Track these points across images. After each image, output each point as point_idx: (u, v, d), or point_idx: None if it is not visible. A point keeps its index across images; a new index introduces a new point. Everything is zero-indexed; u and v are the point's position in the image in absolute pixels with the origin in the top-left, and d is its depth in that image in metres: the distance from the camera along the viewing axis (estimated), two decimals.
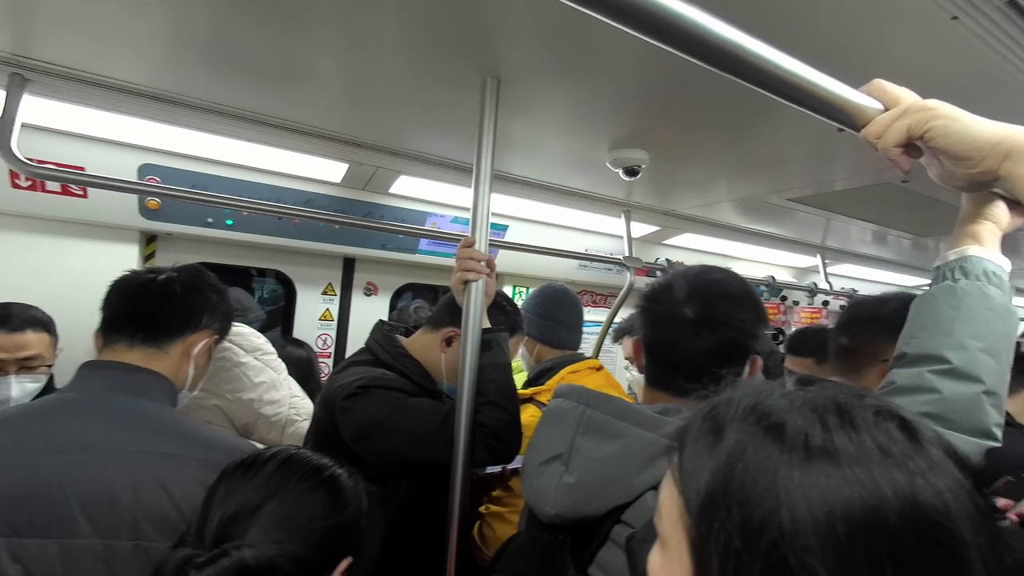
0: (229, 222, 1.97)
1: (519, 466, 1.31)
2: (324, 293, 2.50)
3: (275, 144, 1.67)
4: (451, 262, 2.55)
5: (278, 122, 1.55)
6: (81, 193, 1.70)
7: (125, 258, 1.93)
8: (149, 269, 1.03)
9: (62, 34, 1.16)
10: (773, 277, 2.96)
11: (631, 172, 1.56)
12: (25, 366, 1.41)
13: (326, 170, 1.92)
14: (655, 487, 0.69)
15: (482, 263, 1.12)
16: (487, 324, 1.18)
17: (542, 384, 1.64)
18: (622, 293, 2.29)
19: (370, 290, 2.56)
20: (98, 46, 1.19)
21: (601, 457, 0.74)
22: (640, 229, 2.60)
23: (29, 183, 1.63)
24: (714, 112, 1.32)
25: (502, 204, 2.23)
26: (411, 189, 2.13)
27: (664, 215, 2.45)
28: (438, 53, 1.08)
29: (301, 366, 1.86)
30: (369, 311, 2.56)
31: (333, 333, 2.53)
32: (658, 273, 2.38)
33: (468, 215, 2.30)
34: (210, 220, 1.93)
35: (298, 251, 2.26)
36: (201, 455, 0.83)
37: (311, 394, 1.63)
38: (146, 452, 0.81)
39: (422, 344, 1.32)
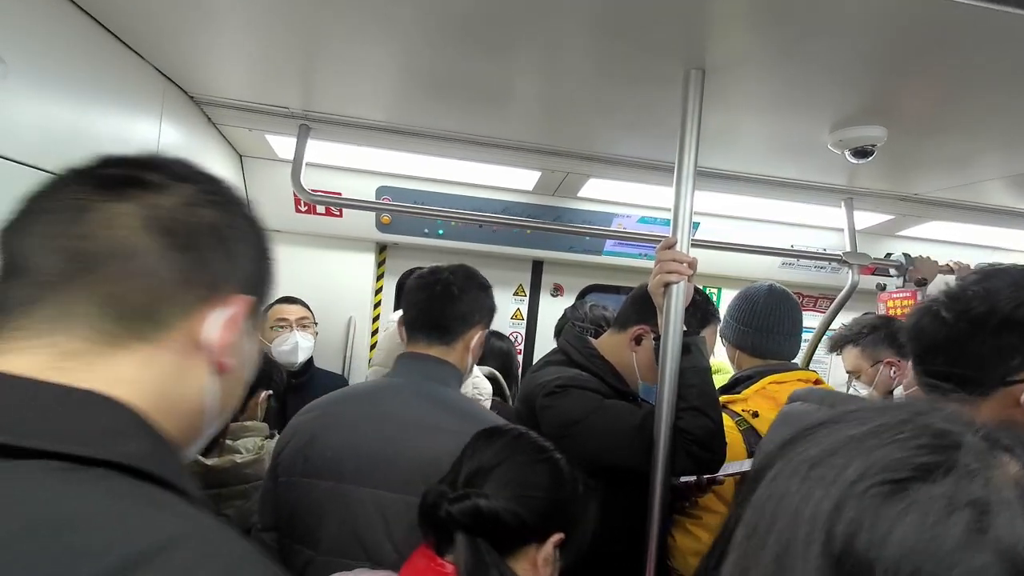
0: (440, 232, 2.25)
1: (718, 475, 1.23)
2: (515, 294, 2.70)
3: (479, 159, 1.85)
4: (635, 263, 2.55)
5: (482, 139, 1.73)
6: (338, 213, 2.13)
7: (365, 264, 2.37)
8: (432, 270, 1.18)
9: (331, 88, 1.47)
10: None
11: (862, 153, 1.34)
12: (301, 324, 2.04)
13: (520, 179, 2.07)
14: None
15: (684, 265, 1.08)
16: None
17: (737, 393, 1.51)
18: (842, 295, 1.97)
19: (556, 291, 2.67)
20: (355, 93, 1.49)
21: None
22: (863, 220, 2.21)
23: (306, 208, 2.11)
24: (981, 70, 1.05)
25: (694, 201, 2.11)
26: (597, 192, 2.17)
27: (901, 201, 2.04)
28: (638, 51, 1.07)
29: (503, 357, 2.12)
30: (555, 311, 2.67)
31: (523, 331, 2.71)
32: (892, 271, 1.99)
33: (655, 214, 2.28)
34: (426, 231, 2.24)
35: (495, 255, 2.48)
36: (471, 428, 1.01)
37: (510, 382, 1.80)
38: (451, 430, 0.96)
39: (611, 345, 1.33)
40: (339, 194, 2.02)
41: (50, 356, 0.40)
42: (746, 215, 2.31)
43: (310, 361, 2.08)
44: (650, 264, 2.43)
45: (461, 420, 1.00)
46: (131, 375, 0.42)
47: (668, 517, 1.11)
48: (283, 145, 1.85)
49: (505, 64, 1.22)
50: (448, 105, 1.51)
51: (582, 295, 2.75)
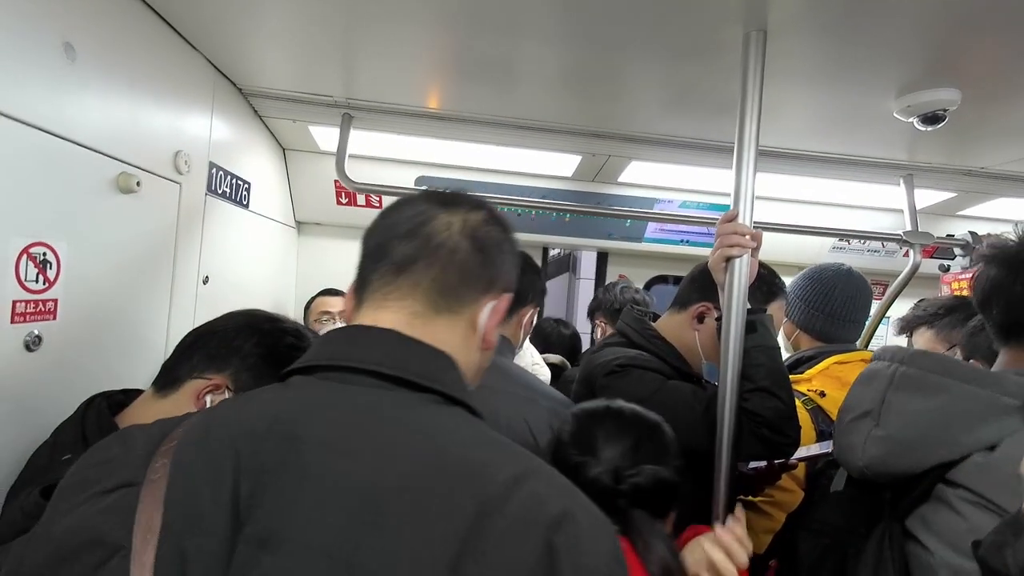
0: None
1: (791, 460, 1.18)
2: None
3: (519, 144, 1.83)
4: (677, 250, 2.49)
5: (523, 123, 1.70)
6: (378, 204, 2.14)
7: None
8: None
9: (373, 75, 1.48)
10: None
11: (932, 120, 1.26)
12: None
13: (560, 165, 2.04)
14: (991, 447, 0.69)
15: (747, 237, 1.03)
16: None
17: (800, 373, 1.45)
18: (903, 276, 1.87)
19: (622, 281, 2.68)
20: (396, 79, 1.49)
21: (917, 411, 0.75)
22: (922, 199, 2.09)
23: (347, 200, 2.13)
24: None
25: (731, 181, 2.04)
26: (637, 176, 2.12)
27: (964, 176, 1.92)
28: (690, 16, 1.02)
29: (570, 344, 2.34)
30: None
31: None
32: (957, 251, 1.88)
33: (698, 198, 2.21)
34: None
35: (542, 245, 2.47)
36: (545, 402, 1.10)
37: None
38: (515, 394, 1.07)
39: (672, 326, 1.29)
40: (379, 183, 2.03)
41: (406, 316, 0.58)
42: (793, 197, 2.22)
43: None
44: (693, 251, 2.43)
45: (524, 387, 1.11)
46: (445, 337, 0.59)
47: (733, 502, 1.06)
48: (325, 137, 1.87)
49: (546, 42, 1.19)
50: (488, 88, 1.49)
51: (648, 286, 2.73)
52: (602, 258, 2.68)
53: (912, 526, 0.74)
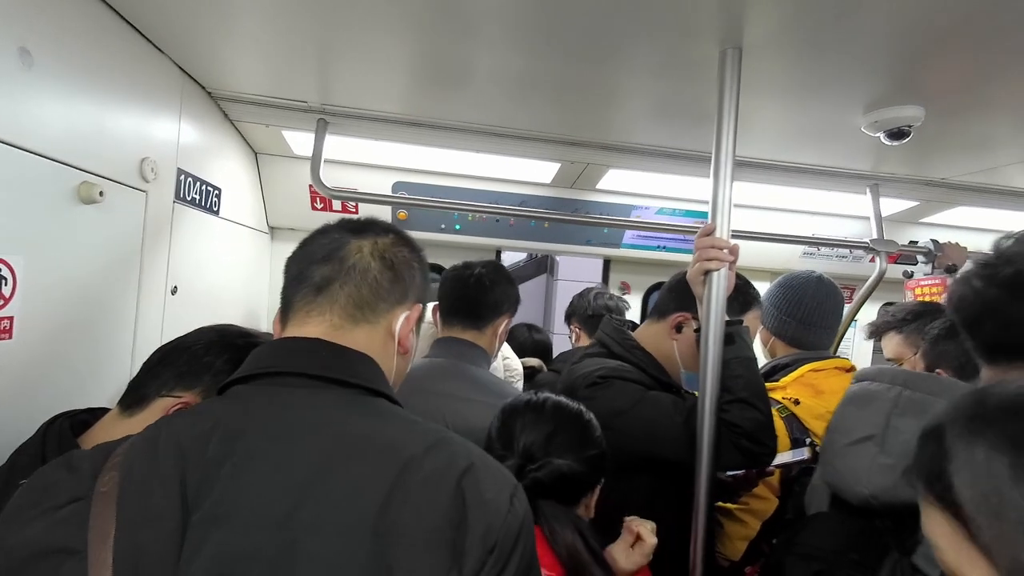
0: (457, 227, 2.23)
1: (768, 468, 1.20)
2: None
3: (498, 152, 1.82)
4: (653, 255, 2.52)
5: (501, 130, 1.70)
6: (354, 209, 2.10)
7: None
8: (466, 264, 1.35)
9: (349, 81, 1.45)
10: None
11: (898, 135, 1.31)
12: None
13: (538, 172, 2.04)
14: None
15: (724, 251, 1.05)
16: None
17: (775, 380, 1.48)
18: (870, 282, 1.94)
19: (624, 289, 2.69)
20: (372, 85, 1.46)
21: None
22: (887, 207, 2.17)
23: (323, 205, 2.08)
24: (1020, 45, 1.02)
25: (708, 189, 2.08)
26: (615, 183, 2.13)
27: (926, 186, 2.00)
28: (669, 33, 1.04)
29: (542, 348, 2.41)
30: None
31: None
32: (919, 258, 1.95)
33: (673, 205, 2.25)
34: (443, 226, 2.22)
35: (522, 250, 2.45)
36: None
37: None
38: (484, 402, 1.12)
39: (650, 335, 1.30)
40: (355, 189, 1.99)
41: (327, 328, 0.66)
42: (764, 204, 2.27)
43: None
44: (670, 256, 2.47)
45: (495, 396, 1.14)
46: (365, 344, 0.67)
47: (714, 510, 1.07)
48: (299, 142, 1.83)
49: (524, 51, 1.18)
50: (466, 95, 1.48)
51: (648, 293, 2.74)
52: (606, 265, 2.70)
53: (921, 563, 0.71)
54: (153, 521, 0.50)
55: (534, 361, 2.25)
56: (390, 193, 2.07)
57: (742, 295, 1.25)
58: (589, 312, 2.18)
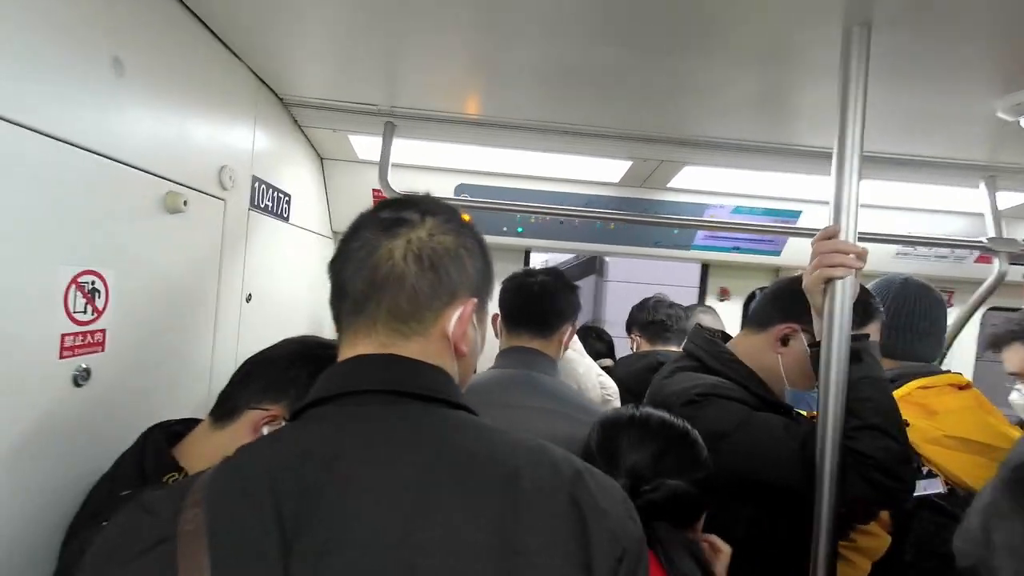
0: (520, 229, 2.16)
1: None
2: None
3: (566, 150, 1.73)
4: (731, 257, 2.37)
5: (569, 128, 1.61)
6: None
7: None
8: (528, 272, 1.33)
9: (414, 83, 1.41)
10: None
11: None
12: None
13: (606, 171, 1.94)
14: None
15: (851, 256, 0.92)
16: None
17: None
18: (987, 285, 1.72)
19: (723, 295, 2.59)
20: (438, 86, 1.41)
21: None
22: (1004, 201, 1.93)
23: None
24: None
25: (794, 185, 1.92)
26: (687, 182, 2.01)
27: None
28: (778, 11, 0.92)
29: (607, 351, 2.40)
30: (723, 315, 2.54)
31: None
32: None
33: (752, 203, 2.09)
34: (505, 228, 2.15)
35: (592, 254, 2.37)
36: (578, 414, 1.13)
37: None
38: (559, 412, 1.12)
39: (749, 348, 1.18)
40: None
41: (377, 347, 0.60)
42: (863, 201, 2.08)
43: None
44: (746, 258, 2.31)
45: (572, 407, 1.15)
46: (423, 354, 0.60)
47: (835, 548, 0.95)
48: (364, 146, 1.81)
49: (596, 44, 1.10)
50: (532, 93, 1.41)
51: (750, 299, 2.60)
52: (704, 270, 2.60)
53: None
54: (253, 557, 0.47)
55: (608, 361, 2.28)
56: (452, 195, 2.02)
57: (861, 305, 1.11)
58: (649, 318, 2.22)
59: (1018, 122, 1.18)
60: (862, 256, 0.92)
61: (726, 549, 0.87)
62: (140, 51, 0.91)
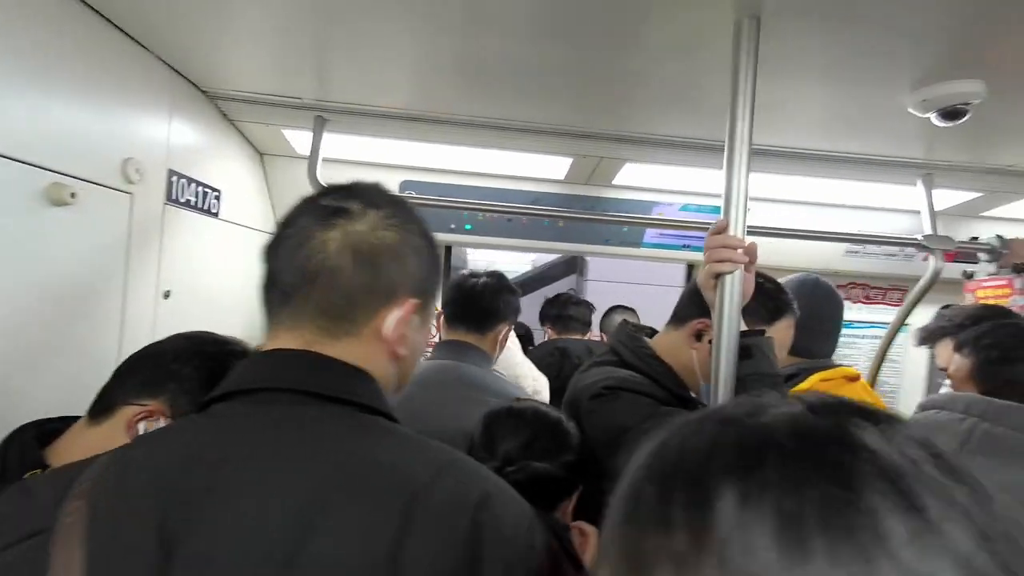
0: (468, 227, 2.14)
1: None
2: None
3: (507, 147, 1.72)
4: (679, 255, 2.36)
5: (509, 124, 1.60)
6: None
7: None
8: (472, 273, 1.42)
9: (347, 76, 1.38)
10: None
11: (952, 115, 1.13)
12: None
13: (550, 167, 1.93)
14: None
15: (738, 251, 0.91)
16: (743, 326, 0.97)
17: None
18: (922, 283, 1.73)
19: None
20: (373, 80, 1.39)
21: (1004, 485, 0.55)
22: (942, 200, 1.94)
23: None
24: None
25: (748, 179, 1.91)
26: (634, 178, 2.00)
27: (989, 175, 1.77)
28: (678, 2, 0.91)
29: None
30: None
31: None
32: (982, 256, 1.73)
33: (700, 200, 2.09)
34: (452, 226, 2.13)
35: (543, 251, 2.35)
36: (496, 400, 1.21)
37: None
38: (470, 398, 1.19)
39: (668, 344, 1.17)
40: None
41: (301, 344, 0.56)
42: (801, 198, 2.08)
43: None
44: (692, 255, 2.30)
45: (492, 394, 1.21)
46: (352, 354, 0.57)
47: None
48: (301, 141, 1.78)
49: (527, 39, 1.09)
50: (471, 89, 1.39)
51: None
52: (690, 269, 2.62)
53: None
54: (125, 560, 0.45)
55: None
56: (397, 192, 2.00)
57: (772, 300, 1.10)
58: (553, 312, 2.70)
59: (929, 118, 1.17)
60: (750, 251, 0.91)
61: (593, 532, 0.89)
62: (14, 38, 0.88)
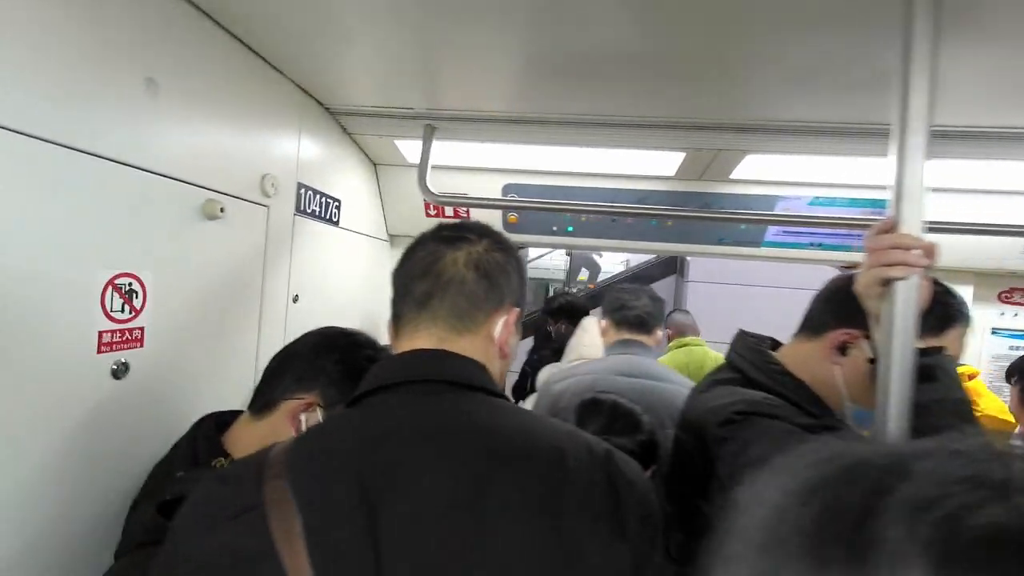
0: (570, 228, 2.09)
1: None
2: None
3: (612, 144, 1.64)
4: (806, 254, 2.11)
5: (616, 120, 1.52)
6: (465, 214, 2.08)
7: None
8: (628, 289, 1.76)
9: (453, 84, 1.40)
10: None
11: None
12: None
13: (660, 164, 1.81)
14: None
15: (915, 252, 0.76)
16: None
17: None
18: None
19: None
20: (478, 86, 1.39)
21: None
22: None
23: (435, 212, 2.10)
24: None
25: (876, 169, 1.65)
26: (753, 171, 1.82)
27: None
28: None
29: None
30: None
31: None
32: None
33: (834, 193, 1.85)
34: (554, 228, 2.09)
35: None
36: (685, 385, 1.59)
37: None
38: (678, 383, 1.65)
39: (800, 358, 1.03)
40: (465, 194, 1.96)
41: (434, 341, 0.70)
42: (970, 186, 1.76)
43: None
44: (824, 255, 2.05)
45: (678, 382, 1.61)
46: (471, 351, 0.70)
47: None
48: (412, 150, 1.85)
49: (636, 28, 1.01)
50: (576, 86, 1.34)
51: None
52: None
53: None
54: (343, 520, 0.55)
55: None
56: (500, 196, 2.01)
57: (940, 306, 0.92)
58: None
59: None
60: (930, 252, 0.76)
61: None
62: (175, 71, 0.99)
